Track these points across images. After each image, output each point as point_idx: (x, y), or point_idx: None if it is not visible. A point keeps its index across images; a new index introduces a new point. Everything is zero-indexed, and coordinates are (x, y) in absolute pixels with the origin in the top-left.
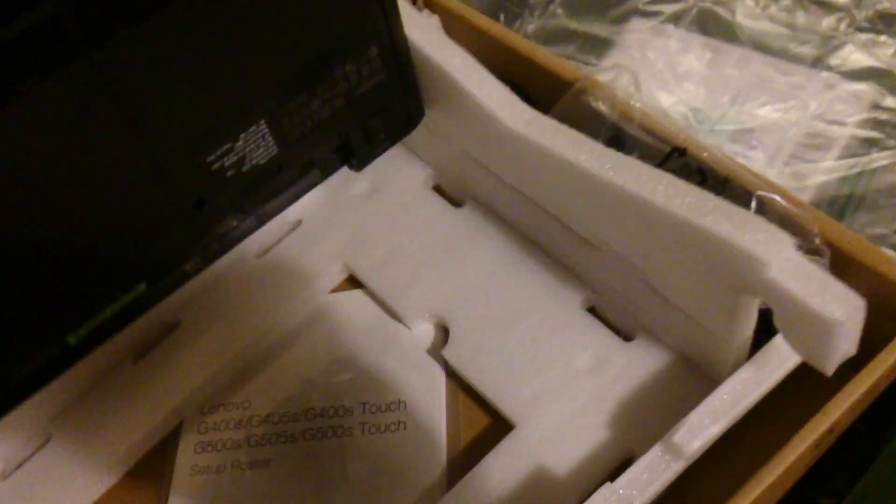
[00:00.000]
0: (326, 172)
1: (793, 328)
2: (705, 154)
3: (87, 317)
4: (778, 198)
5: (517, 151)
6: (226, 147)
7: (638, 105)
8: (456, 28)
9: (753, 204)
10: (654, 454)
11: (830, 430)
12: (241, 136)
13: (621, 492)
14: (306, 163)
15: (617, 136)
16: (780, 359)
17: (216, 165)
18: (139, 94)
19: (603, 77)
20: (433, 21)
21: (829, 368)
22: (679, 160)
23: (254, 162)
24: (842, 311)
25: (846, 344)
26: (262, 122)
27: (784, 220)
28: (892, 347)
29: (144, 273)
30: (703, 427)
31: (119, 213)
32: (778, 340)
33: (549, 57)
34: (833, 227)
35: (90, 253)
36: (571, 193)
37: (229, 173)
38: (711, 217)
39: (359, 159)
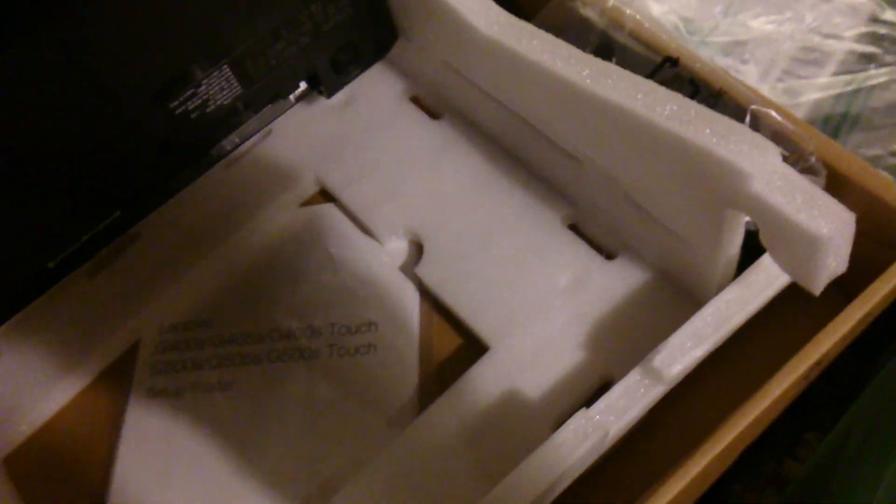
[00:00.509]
0: (293, 97)
1: (779, 244)
2: (698, 65)
3: (67, 243)
4: (773, 113)
5: (493, 58)
6: (188, 93)
7: (628, 12)
8: None
9: (747, 119)
10: (633, 379)
11: (819, 362)
12: (204, 81)
13: (597, 418)
14: (272, 95)
15: (606, 45)
16: (766, 279)
17: (179, 110)
18: (100, 52)
19: None
20: None
21: (817, 287)
22: (670, 70)
23: (218, 103)
24: (830, 225)
25: (835, 261)
26: (225, 66)
27: (778, 137)
28: (887, 276)
29: (119, 204)
30: (684, 350)
31: (93, 156)
32: (765, 260)
33: None
34: (829, 147)
35: (71, 188)
36: (551, 103)
37: (193, 115)
38: (693, 126)
39: (328, 87)
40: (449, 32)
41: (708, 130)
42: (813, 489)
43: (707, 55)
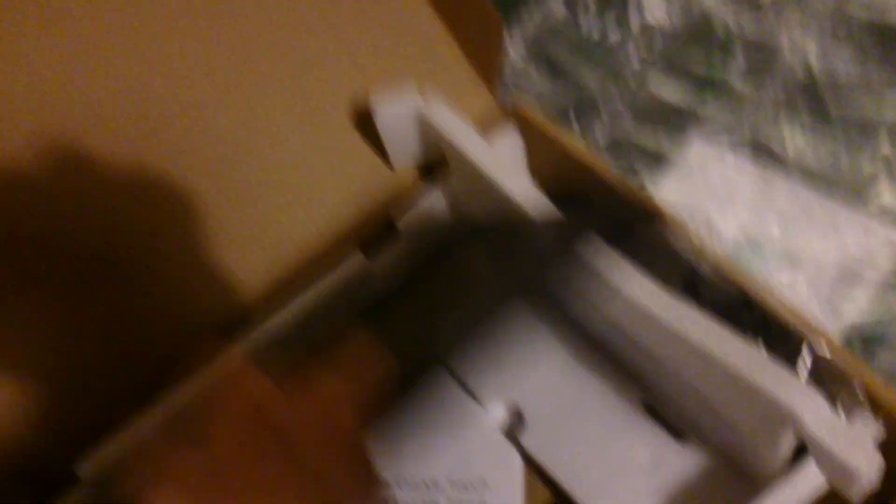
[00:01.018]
0: None
1: (824, 466)
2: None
3: None
4: (824, 344)
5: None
6: None
7: (714, 251)
8: (534, 138)
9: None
10: None
11: None
12: None
13: None
14: None
15: (692, 277)
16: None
17: None
18: None
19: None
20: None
21: (855, 499)
22: (748, 315)
23: None
24: (863, 463)
25: (867, 483)
26: None
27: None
28: None
29: None
30: None
31: None
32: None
33: (627, 181)
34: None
35: None
36: (647, 330)
37: None
38: (764, 376)
39: None
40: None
41: (774, 380)
42: None
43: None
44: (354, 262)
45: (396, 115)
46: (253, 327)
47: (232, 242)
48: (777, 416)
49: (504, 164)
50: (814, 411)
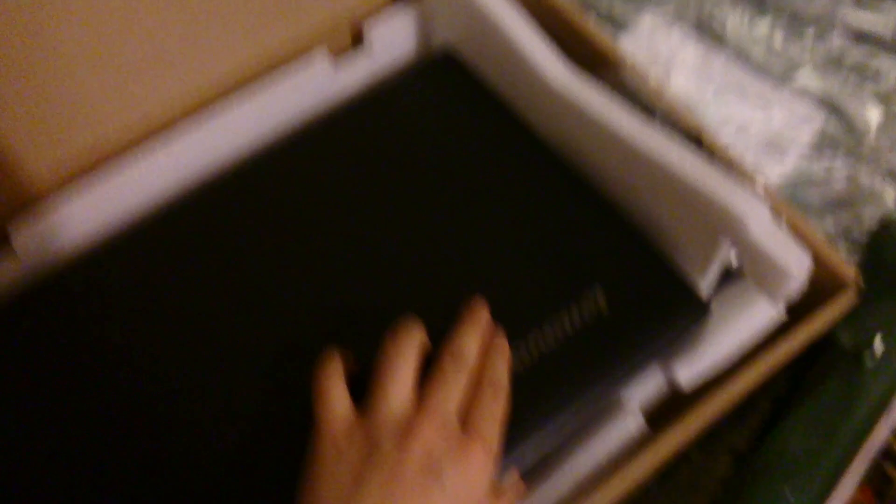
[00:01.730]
0: None
1: (756, 271)
2: (716, 145)
3: None
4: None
5: (555, 105)
6: None
7: (672, 92)
8: None
9: None
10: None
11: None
12: None
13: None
14: None
15: (648, 113)
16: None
17: None
18: None
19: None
20: None
21: (779, 302)
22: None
23: None
24: (797, 265)
25: (799, 283)
26: None
27: None
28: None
29: None
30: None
31: None
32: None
33: (596, 31)
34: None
35: None
36: (601, 151)
37: None
38: (713, 183)
39: None
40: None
41: (726, 189)
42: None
43: None
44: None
45: None
46: None
47: None
48: (722, 221)
49: None
50: (759, 216)
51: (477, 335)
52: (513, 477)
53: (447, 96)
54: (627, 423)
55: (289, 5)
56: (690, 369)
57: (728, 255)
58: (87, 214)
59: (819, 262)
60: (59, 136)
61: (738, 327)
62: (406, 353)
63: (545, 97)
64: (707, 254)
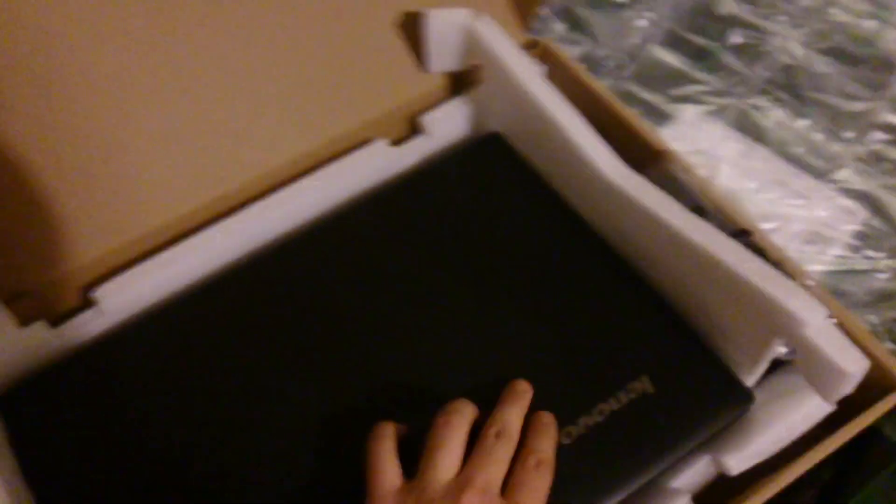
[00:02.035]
0: None
1: (812, 370)
2: (766, 241)
3: None
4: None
5: (613, 200)
6: None
7: (718, 186)
8: (557, 76)
9: None
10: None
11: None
12: None
13: None
14: None
15: (699, 208)
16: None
17: None
18: None
19: (687, 156)
20: (540, 70)
21: (832, 401)
22: (744, 239)
23: None
24: (853, 367)
25: (849, 388)
26: None
27: None
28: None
29: None
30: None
31: None
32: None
33: (643, 123)
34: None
35: None
36: (654, 245)
37: None
38: (771, 283)
39: None
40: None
41: (782, 288)
42: None
43: None
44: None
45: (446, 20)
46: None
47: None
48: (778, 321)
49: (545, 85)
50: (816, 318)
51: (520, 412)
52: None
53: (494, 175)
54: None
55: (351, 98)
56: (739, 456)
57: (778, 350)
58: (167, 275)
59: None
60: (131, 215)
61: (788, 417)
62: (455, 429)
63: (599, 189)
64: (759, 349)
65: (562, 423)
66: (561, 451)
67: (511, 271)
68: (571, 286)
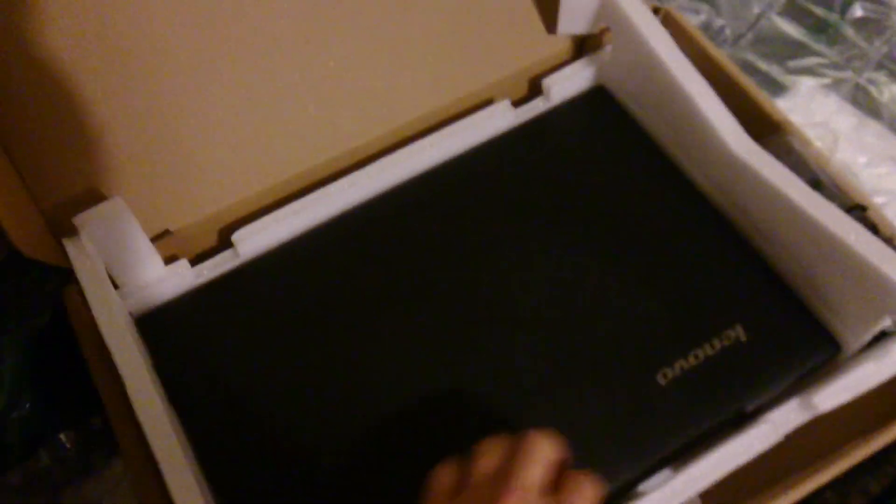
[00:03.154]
0: None
1: None
2: (879, 217)
3: None
4: None
5: (733, 168)
6: None
7: (835, 160)
8: (679, 45)
9: None
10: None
11: None
12: None
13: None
14: None
15: (816, 181)
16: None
17: None
18: None
19: (804, 128)
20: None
21: None
22: (858, 214)
23: None
24: None
25: None
26: None
27: None
28: None
29: None
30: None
31: None
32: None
33: (762, 94)
34: None
35: None
36: (768, 216)
37: None
38: (887, 261)
39: None
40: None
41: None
42: None
43: None
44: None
45: None
46: None
47: None
48: (889, 299)
49: (676, 51)
50: None
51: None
52: None
53: (599, 129)
54: (762, 430)
55: (478, 59)
56: (826, 392)
57: (887, 324)
58: (298, 222)
59: None
60: (268, 165)
61: (875, 359)
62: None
63: (719, 158)
64: (866, 325)
65: (659, 366)
66: (657, 391)
67: (614, 222)
68: (673, 239)
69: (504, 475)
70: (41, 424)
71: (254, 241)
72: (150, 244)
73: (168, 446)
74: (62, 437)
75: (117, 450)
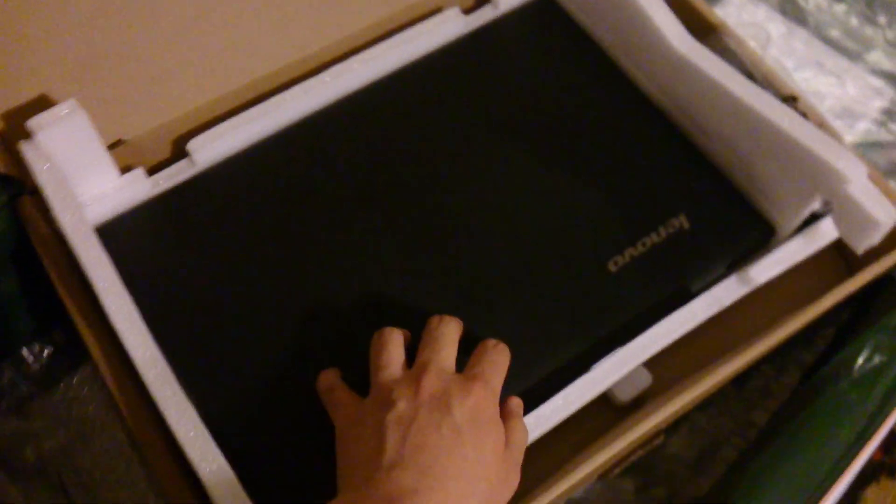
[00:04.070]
0: None
1: (846, 221)
2: (809, 107)
3: None
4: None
5: (674, 65)
6: None
7: (768, 59)
8: None
9: None
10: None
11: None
12: None
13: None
14: None
15: (750, 76)
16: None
17: None
18: None
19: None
20: None
21: (861, 249)
22: (791, 104)
23: None
24: (886, 218)
25: (879, 238)
26: None
27: None
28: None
29: None
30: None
31: None
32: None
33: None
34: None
35: None
36: (708, 110)
37: None
38: (820, 144)
39: None
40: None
41: (828, 148)
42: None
43: None
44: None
45: None
46: None
47: None
48: (821, 177)
49: None
50: (858, 174)
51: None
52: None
53: (546, 36)
54: (703, 301)
55: None
56: (761, 266)
57: (817, 204)
58: (253, 130)
59: None
60: (221, 73)
61: (803, 237)
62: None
63: (662, 56)
64: (799, 206)
65: (610, 255)
66: (608, 278)
67: (563, 125)
68: (619, 139)
69: (421, 362)
70: (2, 341)
71: (209, 149)
72: (106, 151)
73: (146, 348)
74: (24, 352)
75: (82, 360)
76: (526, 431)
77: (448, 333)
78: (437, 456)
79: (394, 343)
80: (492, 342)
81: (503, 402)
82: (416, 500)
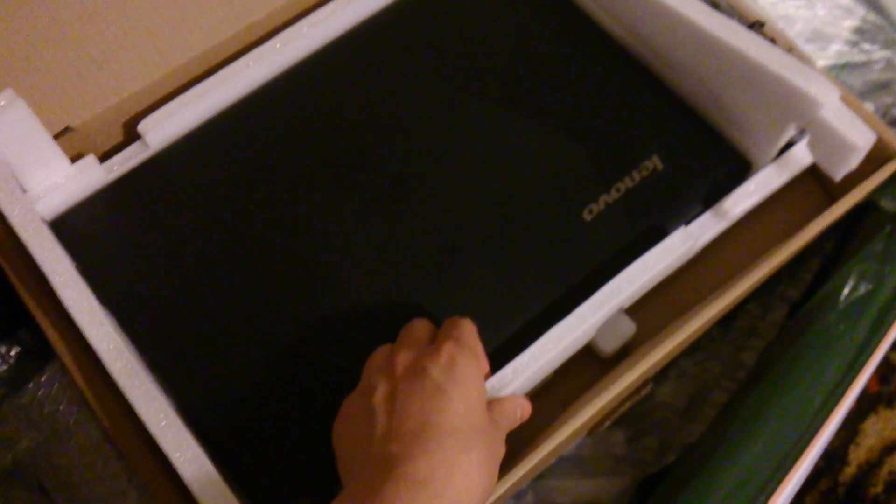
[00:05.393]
0: None
1: (823, 148)
2: (776, 32)
3: None
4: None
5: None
6: None
7: None
8: None
9: None
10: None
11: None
12: None
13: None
14: None
15: (714, 4)
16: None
17: None
18: None
19: None
20: None
21: (839, 176)
22: (758, 30)
23: None
24: (863, 142)
25: (857, 162)
26: None
27: None
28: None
29: None
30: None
31: None
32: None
33: None
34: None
35: None
36: (673, 43)
37: None
38: (789, 69)
39: None
40: None
41: (801, 74)
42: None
43: None
44: None
45: None
46: None
47: None
48: (794, 104)
49: None
50: (830, 98)
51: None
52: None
53: None
54: (677, 236)
55: None
56: (734, 198)
57: (792, 133)
58: (204, 106)
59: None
60: (164, 50)
61: (776, 164)
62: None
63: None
64: (773, 136)
65: (584, 203)
66: (585, 227)
67: (530, 73)
68: (588, 84)
69: (394, 348)
70: None
71: (162, 129)
72: (52, 140)
73: (109, 340)
74: None
75: (49, 358)
76: (510, 399)
77: (418, 324)
78: (427, 416)
79: (383, 350)
80: (457, 317)
81: None
82: (418, 464)
